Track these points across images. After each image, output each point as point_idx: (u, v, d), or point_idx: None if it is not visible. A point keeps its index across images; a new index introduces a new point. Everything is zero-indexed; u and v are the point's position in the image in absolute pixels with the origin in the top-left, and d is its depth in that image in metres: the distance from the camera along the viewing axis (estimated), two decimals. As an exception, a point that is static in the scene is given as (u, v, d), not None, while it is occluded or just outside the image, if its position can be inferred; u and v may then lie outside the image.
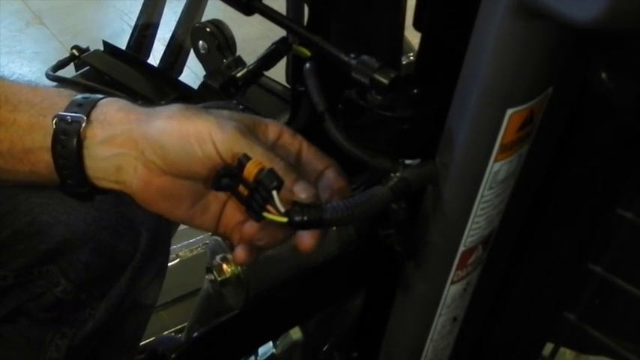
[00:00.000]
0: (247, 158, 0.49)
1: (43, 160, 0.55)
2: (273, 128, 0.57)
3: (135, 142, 0.53)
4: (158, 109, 0.55)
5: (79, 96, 0.56)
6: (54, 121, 0.54)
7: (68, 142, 0.53)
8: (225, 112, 0.56)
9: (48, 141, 0.54)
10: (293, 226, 0.48)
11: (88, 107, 0.54)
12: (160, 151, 0.53)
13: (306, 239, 0.55)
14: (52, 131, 0.54)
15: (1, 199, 0.69)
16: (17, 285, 0.70)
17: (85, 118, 0.54)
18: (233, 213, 0.58)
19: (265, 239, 0.57)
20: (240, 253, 0.58)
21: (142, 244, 0.74)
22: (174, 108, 0.55)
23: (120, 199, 0.72)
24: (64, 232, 0.70)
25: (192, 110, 0.54)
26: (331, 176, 0.57)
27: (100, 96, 0.56)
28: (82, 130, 0.53)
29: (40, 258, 0.70)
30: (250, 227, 0.56)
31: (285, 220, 0.47)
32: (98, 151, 0.54)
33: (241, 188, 0.50)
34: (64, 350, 0.72)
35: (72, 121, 0.53)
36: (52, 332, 0.72)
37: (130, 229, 0.73)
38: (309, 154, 0.58)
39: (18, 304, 0.71)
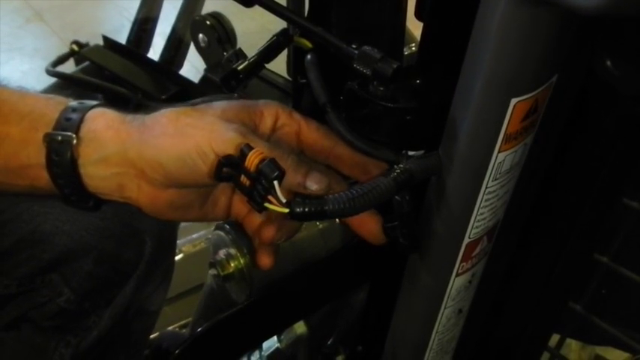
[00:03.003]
0: (249, 148, 0.48)
1: (43, 177, 0.53)
2: (268, 113, 0.56)
3: (132, 162, 0.51)
4: (148, 121, 0.52)
5: (69, 106, 0.53)
6: (45, 140, 0.52)
7: (62, 163, 0.51)
8: (218, 108, 0.53)
9: (43, 158, 0.52)
10: (294, 218, 0.47)
11: (76, 123, 0.52)
12: (161, 169, 0.51)
13: (373, 229, 0.56)
14: (44, 149, 0.52)
15: (2, 207, 0.69)
16: (20, 294, 0.70)
17: (75, 136, 0.51)
18: (242, 202, 0.58)
19: (285, 235, 0.57)
20: (264, 259, 0.58)
21: (146, 253, 0.74)
22: (165, 120, 0.52)
23: (123, 207, 0.72)
24: (66, 241, 0.70)
25: (185, 119, 0.52)
26: (348, 153, 0.55)
27: (89, 105, 0.54)
28: (73, 149, 0.51)
29: (43, 267, 0.70)
30: (268, 230, 0.56)
31: (286, 210, 0.47)
32: (95, 170, 0.52)
33: (243, 178, 0.49)
34: (67, 359, 0.72)
35: (62, 140, 0.51)
36: (56, 340, 0.72)
37: (134, 238, 0.73)
38: (312, 133, 0.57)
39: (21, 313, 0.71)
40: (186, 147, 0.50)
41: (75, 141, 0.51)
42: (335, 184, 0.58)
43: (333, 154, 0.57)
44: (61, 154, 0.51)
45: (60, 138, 0.51)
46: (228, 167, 0.49)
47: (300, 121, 0.56)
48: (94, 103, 0.54)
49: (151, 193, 0.53)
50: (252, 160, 0.48)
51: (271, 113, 0.56)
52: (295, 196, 0.47)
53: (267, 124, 0.55)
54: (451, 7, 0.51)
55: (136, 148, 0.51)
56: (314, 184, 0.51)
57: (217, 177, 0.49)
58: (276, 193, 0.47)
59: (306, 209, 0.47)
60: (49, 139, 0.51)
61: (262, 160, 0.48)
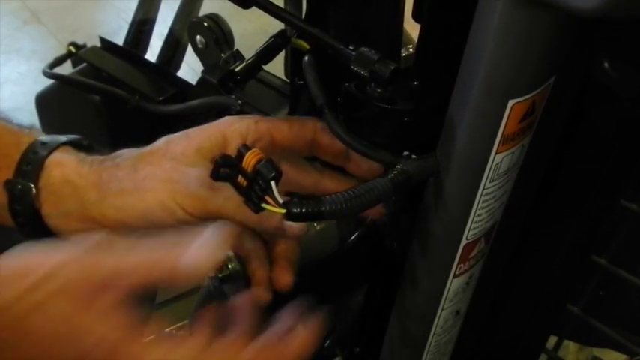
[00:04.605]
0: (247, 148, 0.48)
1: (10, 221, 0.51)
2: (232, 137, 0.52)
3: (95, 220, 0.50)
4: (104, 175, 0.50)
5: (31, 145, 0.51)
6: (6, 188, 0.49)
7: (25, 214, 0.49)
8: (177, 150, 0.50)
9: (6, 201, 0.50)
10: (291, 219, 0.47)
11: (35, 170, 0.50)
12: (127, 227, 0.49)
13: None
14: (6, 196, 0.50)
15: None
16: None
17: (33, 186, 0.49)
18: None
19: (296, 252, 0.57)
20: (284, 276, 0.57)
21: None
22: (121, 173, 0.49)
23: None
24: None
25: (143, 168, 0.49)
26: (328, 142, 0.54)
27: (51, 147, 0.51)
28: (34, 200, 0.49)
29: None
30: (284, 249, 0.56)
31: (283, 211, 0.47)
32: (61, 224, 0.50)
33: (240, 179, 0.49)
34: None
35: (22, 189, 0.49)
36: None
37: None
38: (285, 137, 0.54)
39: None
40: (148, 204, 0.48)
41: (34, 191, 0.49)
42: (329, 181, 0.58)
43: (314, 145, 0.55)
44: (23, 205, 0.49)
45: (20, 187, 0.49)
46: (226, 168, 0.49)
47: (270, 130, 0.54)
48: (56, 143, 0.52)
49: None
50: (249, 161, 0.48)
51: (235, 137, 0.52)
52: (292, 197, 0.47)
53: (233, 150, 0.52)
54: (449, 8, 0.51)
55: (96, 208, 0.49)
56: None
57: (215, 177, 0.49)
58: (273, 193, 0.47)
59: (303, 210, 0.47)
60: (10, 187, 0.49)
61: (259, 161, 0.48)
